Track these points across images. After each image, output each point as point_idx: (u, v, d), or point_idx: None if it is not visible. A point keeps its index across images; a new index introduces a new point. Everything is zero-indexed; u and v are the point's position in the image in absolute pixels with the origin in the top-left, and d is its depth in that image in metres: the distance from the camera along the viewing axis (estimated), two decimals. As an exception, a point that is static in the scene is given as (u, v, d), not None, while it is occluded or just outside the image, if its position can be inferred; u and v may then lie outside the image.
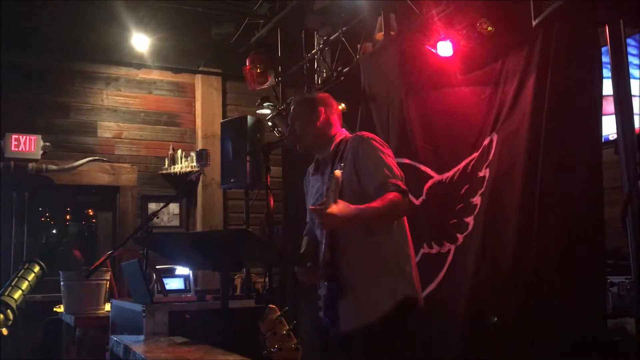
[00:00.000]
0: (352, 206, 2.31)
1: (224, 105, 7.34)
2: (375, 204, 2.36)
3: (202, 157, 6.62)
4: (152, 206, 6.75)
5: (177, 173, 6.86)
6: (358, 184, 2.50)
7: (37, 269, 4.79)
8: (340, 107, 2.78)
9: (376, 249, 2.50)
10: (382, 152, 2.50)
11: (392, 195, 2.36)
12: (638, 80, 3.27)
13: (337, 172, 2.29)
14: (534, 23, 2.85)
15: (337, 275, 2.51)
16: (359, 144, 2.53)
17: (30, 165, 6.21)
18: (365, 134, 2.61)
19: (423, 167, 3.69)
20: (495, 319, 2.96)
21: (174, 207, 7.01)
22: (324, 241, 2.56)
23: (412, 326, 2.51)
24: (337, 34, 4.69)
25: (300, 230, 5.24)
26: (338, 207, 2.26)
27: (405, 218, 2.58)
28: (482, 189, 3.23)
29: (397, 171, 2.48)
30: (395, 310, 2.41)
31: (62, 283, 4.56)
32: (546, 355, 2.75)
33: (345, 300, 2.51)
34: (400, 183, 2.43)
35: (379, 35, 4.44)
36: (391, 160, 2.52)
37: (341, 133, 2.70)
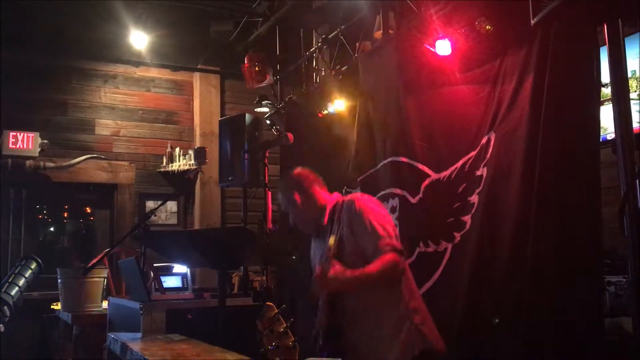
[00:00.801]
0: (348, 271, 2.40)
1: (222, 103, 7.33)
2: (370, 268, 2.43)
3: (200, 155, 6.62)
4: (150, 204, 6.75)
5: (175, 171, 6.85)
6: (356, 243, 2.57)
7: (34, 265, 4.79)
8: (316, 178, 2.85)
9: (380, 307, 2.54)
10: (375, 214, 2.58)
11: (388, 258, 2.44)
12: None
13: (331, 241, 2.42)
14: (532, 22, 2.85)
15: (337, 344, 2.55)
16: (353, 207, 2.61)
17: (28, 162, 6.20)
18: (358, 197, 2.69)
19: (420, 166, 3.69)
20: (497, 321, 2.96)
21: (171, 205, 7.01)
22: (322, 303, 2.62)
23: None
24: (335, 32, 4.69)
25: (297, 228, 5.24)
26: (334, 271, 2.37)
27: (412, 280, 2.64)
28: (480, 188, 3.23)
29: (392, 230, 2.56)
30: None
31: (59, 281, 4.55)
32: (543, 354, 2.75)
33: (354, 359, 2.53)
34: (395, 243, 2.50)
35: (378, 34, 4.44)
36: (385, 219, 2.59)
37: (332, 199, 2.77)
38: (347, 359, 2.50)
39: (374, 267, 2.42)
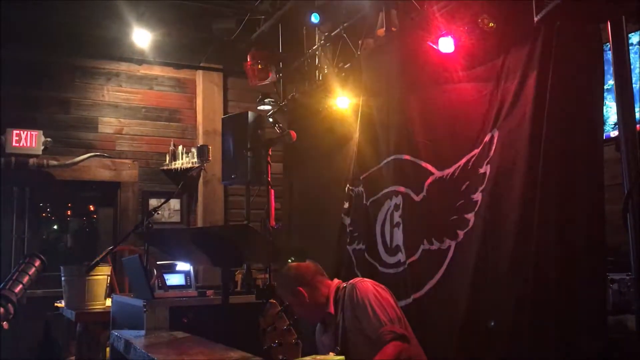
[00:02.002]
0: None
1: (225, 101, 7.33)
2: None
3: (203, 153, 6.62)
4: (153, 202, 6.76)
5: (178, 169, 6.86)
6: (362, 327, 2.63)
7: (37, 263, 4.79)
8: (318, 268, 2.89)
9: None
10: (376, 300, 2.64)
11: (390, 349, 2.50)
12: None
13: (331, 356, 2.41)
14: (535, 19, 2.83)
15: None
16: (355, 296, 2.67)
17: (31, 160, 6.21)
18: (358, 285, 2.72)
19: (424, 164, 3.68)
20: (493, 323, 2.97)
21: (174, 203, 7.02)
22: None
23: None
24: (338, 30, 4.68)
25: (300, 226, 5.25)
26: None
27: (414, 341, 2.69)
28: (483, 186, 3.22)
29: (393, 313, 2.61)
30: None
31: (62, 278, 4.57)
32: (546, 351, 2.75)
33: None
34: (396, 329, 2.56)
35: (380, 32, 4.43)
36: (386, 303, 2.65)
37: (333, 285, 2.82)
38: None
39: None
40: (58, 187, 6.52)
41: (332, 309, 2.77)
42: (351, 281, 2.79)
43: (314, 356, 1.63)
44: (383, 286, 2.79)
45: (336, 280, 2.89)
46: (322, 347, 2.89)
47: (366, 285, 2.72)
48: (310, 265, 2.89)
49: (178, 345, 2.60)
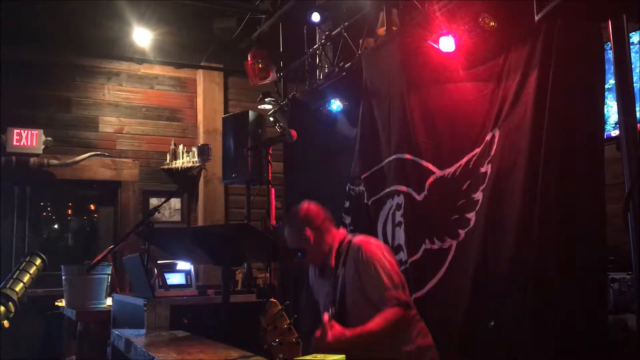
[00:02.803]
0: (348, 332, 2.40)
1: (226, 100, 7.34)
2: (372, 325, 2.46)
3: (204, 152, 6.63)
4: (154, 201, 6.77)
5: (178, 168, 6.87)
6: (362, 286, 2.61)
7: (38, 261, 4.80)
8: (327, 215, 2.87)
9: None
10: (382, 262, 2.61)
11: (391, 313, 2.49)
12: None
13: (325, 318, 2.41)
14: (536, 18, 2.83)
15: None
16: (360, 254, 2.64)
17: (32, 159, 6.22)
18: (364, 244, 2.69)
19: (425, 163, 3.68)
20: (493, 323, 2.97)
21: (175, 202, 7.02)
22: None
23: None
24: (339, 29, 4.68)
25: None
26: (333, 335, 2.36)
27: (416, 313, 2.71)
28: (484, 185, 3.22)
29: (397, 278, 2.59)
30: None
31: (63, 277, 4.57)
32: (546, 350, 2.75)
33: None
34: (400, 295, 2.55)
35: (381, 31, 4.43)
36: (391, 267, 2.62)
37: (337, 236, 2.80)
38: None
39: (375, 324, 2.46)
40: (59, 186, 6.53)
41: (332, 262, 2.74)
42: (357, 239, 2.73)
43: (314, 355, 1.63)
44: (388, 249, 2.77)
45: (342, 230, 2.86)
46: (317, 288, 2.88)
47: (373, 247, 2.68)
48: (320, 210, 2.85)
49: (178, 344, 2.60)
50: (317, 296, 2.92)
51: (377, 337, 2.47)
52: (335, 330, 2.36)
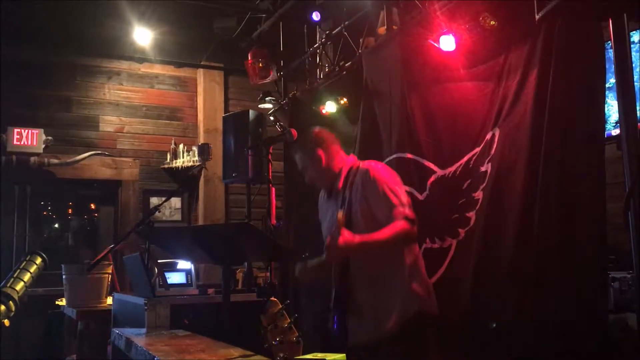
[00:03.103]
0: (357, 237, 2.47)
1: (226, 99, 7.33)
2: (380, 234, 2.51)
3: (204, 151, 6.63)
4: (154, 200, 6.77)
5: (179, 167, 6.87)
6: (368, 208, 2.65)
7: (38, 260, 4.80)
8: (335, 139, 2.93)
9: (383, 275, 2.67)
10: (389, 182, 2.66)
11: (399, 225, 2.52)
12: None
13: (339, 215, 2.49)
14: (536, 17, 2.84)
15: (345, 302, 2.70)
16: (368, 175, 2.69)
17: (32, 159, 6.22)
18: (373, 166, 2.75)
19: (426, 162, 3.68)
20: (495, 325, 2.98)
21: (175, 202, 7.02)
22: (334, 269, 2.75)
23: (428, 338, 2.66)
24: (339, 28, 4.68)
25: (301, 224, 5.25)
26: (344, 239, 2.43)
27: (416, 245, 2.75)
28: (484, 184, 3.22)
29: (405, 199, 2.62)
30: (409, 325, 2.58)
31: (64, 277, 4.57)
32: (547, 350, 2.75)
33: (357, 319, 2.68)
34: (408, 212, 2.57)
35: (382, 30, 4.43)
36: (399, 187, 2.67)
37: (347, 162, 2.84)
38: (352, 320, 2.68)
39: (384, 233, 2.51)
40: (59, 186, 6.53)
41: (340, 185, 2.79)
42: (365, 164, 2.79)
43: (314, 354, 1.63)
44: (396, 174, 2.81)
45: (352, 157, 2.91)
46: (324, 212, 2.92)
47: (381, 169, 2.74)
48: (331, 134, 2.92)
49: (179, 343, 2.60)
50: (322, 220, 2.96)
51: (384, 245, 2.53)
52: (345, 235, 2.42)
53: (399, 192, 2.62)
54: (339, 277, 2.71)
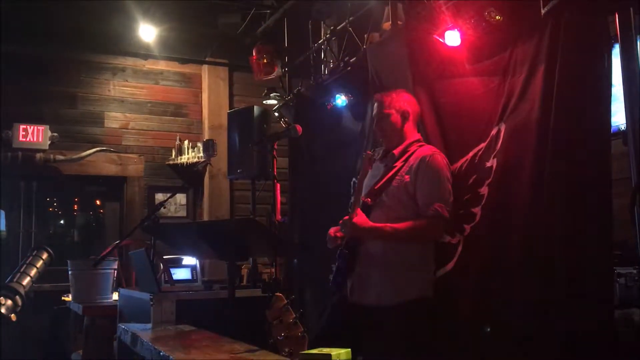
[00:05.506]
0: (371, 224, 2.68)
1: (231, 95, 7.34)
2: (397, 228, 2.68)
3: (209, 147, 6.64)
4: (159, 196, 6.79)
5: (184, 164, 6.88)
6: (413, 187, 2.79)
7: (45, 255, 4.82)
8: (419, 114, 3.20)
9: (396, 251, 2.81)
10: (445, 173, 2.81)
11: (424, 224, 2.70)
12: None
13: (368, 155, 2.77)
14: (542, 12, 2.82)
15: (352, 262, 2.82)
16: (431, 158, 2.85)
17: (38, 155, 6.24)
18: (438, 152, 2.90)
19: (432, 157, 3.67)
20: (488, 329, 2.99)
21: (180, 198, 7.04)
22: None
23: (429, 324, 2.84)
24: (344, 23, 4.67)
25: (306, 220, 5.25)
26: (358, 220, 2.63)
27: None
28: (490, 179, 3.21)
29: (448, 195, 2.76)
30: (411, 306, 2.77)
31: (70, 272, 4.59)
32: (552, 347, 2.74)
33: (360, 282, 2.81)
34: (442, 209, 2.71)
35: (386, 25, 4.42)
36: (447, 184, 2.81)
37: (413, 135, 3.01)
38: (356, 280, 2.83)
39: (401, 230, 2.68)
40: (64, 182, 6.55)
41: (397, 152, 2.92)
42: (431, 148, 2.95)
43: (320, 349, 1.63)
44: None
45: (417, 134, 3.07)
46: (374, 168, 2.99)
47: (443, 160, 2.87)
48: (419, 107, 3.15)
49: (185, 339, 2.61)
50: (362, 176, 3.03)
51: (396, 240, 2.69)
52: (359, 217, 2.61)
53: (450, 190, 2.74)
54: (348, 242, 2.83)
